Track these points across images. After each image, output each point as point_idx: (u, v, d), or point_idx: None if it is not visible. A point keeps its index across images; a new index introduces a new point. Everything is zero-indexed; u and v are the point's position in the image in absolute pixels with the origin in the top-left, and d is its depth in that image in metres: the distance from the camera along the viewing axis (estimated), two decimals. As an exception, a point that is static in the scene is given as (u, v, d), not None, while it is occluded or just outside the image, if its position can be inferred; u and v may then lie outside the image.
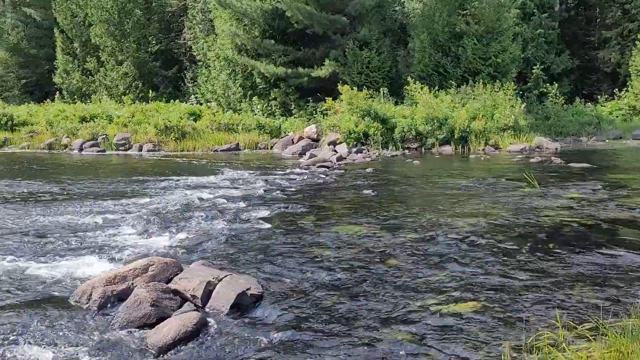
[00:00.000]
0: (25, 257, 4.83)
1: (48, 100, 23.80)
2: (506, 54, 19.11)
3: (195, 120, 19.53)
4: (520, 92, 19.89)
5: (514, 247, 4.91)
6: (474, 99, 17.27)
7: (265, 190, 8.68)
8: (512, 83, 18.24)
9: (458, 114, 16.19)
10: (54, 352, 3.04)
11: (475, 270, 4.27)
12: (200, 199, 7.74)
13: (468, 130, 15.81)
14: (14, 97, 26.63)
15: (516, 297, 3.66)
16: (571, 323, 3.17)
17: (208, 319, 3.42)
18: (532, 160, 12.71)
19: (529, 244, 4.98)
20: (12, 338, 3.21)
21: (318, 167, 12.05)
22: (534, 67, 22.96)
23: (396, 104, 18.05)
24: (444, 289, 3.86)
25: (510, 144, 15.74)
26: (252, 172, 11.36)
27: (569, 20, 27.70)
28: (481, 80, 18.11)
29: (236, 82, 21.30)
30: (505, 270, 4.24)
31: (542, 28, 24.81)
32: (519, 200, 7.18)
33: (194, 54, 24.92)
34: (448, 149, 15.70)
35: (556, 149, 15.49)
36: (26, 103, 24.88)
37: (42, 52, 27.06)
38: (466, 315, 3.38)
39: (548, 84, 22.00)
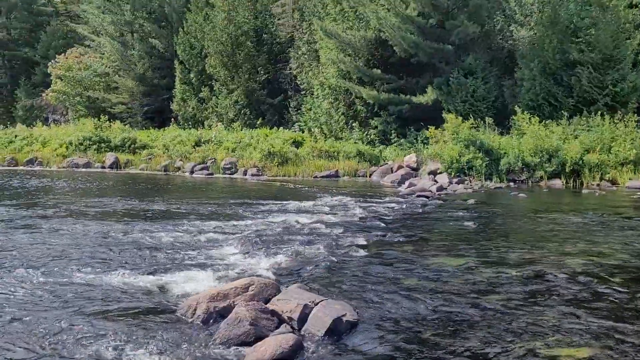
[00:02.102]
0: (136, 270, 5.20)
1: (171, 125, 25.83)
2: (625, 83, 17.75)
3: (297, 146, 20.13)
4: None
5: (634, 291, 4.47)
6: (588, 130, 16.19)
7: (362, 218, 8.68)
8: (634, 114, 16.84)
9: (570, 146, 15.25)
10: (160, 361, 3.23)
11: (588, 313, 3.93)
12: (299, 224, 7.90)
13: (581, 163, 14.82)
14: (137, 122, 29.14)
15: (636, 348, 3.31)
16: None
17: (304, 342, 3.45)
18: (655, 197, 11.59)
19: (651, 290, 4.52)
20: (122, 344, 3.46)
21: (417, 196, 11.85)
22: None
23: (501, 134, 17.41)
24: (553, 332, 3.59)
25: (629, 179, 14.50)
26: (350, 199, 11.42)
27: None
28: (597, 110, 16.93)
29: (338, 110, 21.73)
30: (624, 315, 3.87)
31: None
32: (640, 241, 6.55)
33: (299, 83, 25.83)
34: (558, 183, 14.79)
35: (685, 187, 14.00)
36: (146, 128, 27.17)
37: (163, 82, 29.46)
38: (577, 362, 3.12)
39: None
